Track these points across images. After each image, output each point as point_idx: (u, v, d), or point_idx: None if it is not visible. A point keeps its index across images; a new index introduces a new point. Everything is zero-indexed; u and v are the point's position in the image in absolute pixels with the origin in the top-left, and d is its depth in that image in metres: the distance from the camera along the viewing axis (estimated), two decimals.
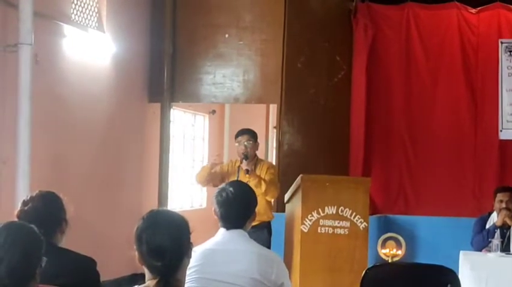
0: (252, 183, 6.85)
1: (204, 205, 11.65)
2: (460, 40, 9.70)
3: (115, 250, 8.27)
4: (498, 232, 7.09)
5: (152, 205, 9.28)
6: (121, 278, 8.25)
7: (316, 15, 9.62)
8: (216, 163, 7.35)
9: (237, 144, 7.17)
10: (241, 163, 7.11)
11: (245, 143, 7.09)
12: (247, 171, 6.95)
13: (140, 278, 2.81)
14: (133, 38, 9.21)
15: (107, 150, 8.60)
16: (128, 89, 9.19)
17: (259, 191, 6.98)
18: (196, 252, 3.41)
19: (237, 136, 7.23)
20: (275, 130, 12.15)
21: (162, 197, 9.69)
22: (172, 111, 9.97)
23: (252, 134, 7.22)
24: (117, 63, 8.73)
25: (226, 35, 9.59)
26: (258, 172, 7.06)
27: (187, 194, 11.33)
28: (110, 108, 8.69)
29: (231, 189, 3.80)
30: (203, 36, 9.60)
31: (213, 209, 3.80)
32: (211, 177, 7.10)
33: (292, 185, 7.09)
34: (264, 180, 6.97)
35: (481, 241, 7.17)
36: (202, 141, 12.14)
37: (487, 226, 7.29)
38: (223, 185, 3.95)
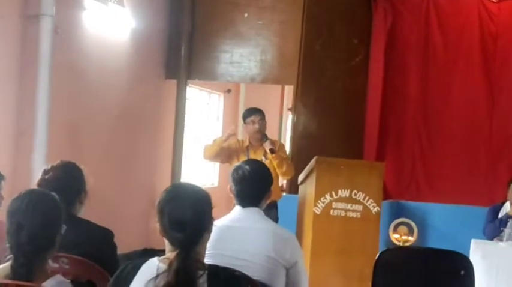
0: (274, 163, 6.91)
1: (216, 184, 11.67)
2: (479, 29, 9.66)
3: (127, 224, 8.33)
4: (510, 221, 7.10)
5: (165, 181, 9.31)
6: (132, 252, 8.28)
7: None
8: (232, 133, 7.32)
9: (248, 124, 7.14)
10: (250, 143, 7.13)
11: (259, 122, 7.08)
12: (272, 151, 6.96)
13: (151, 253, 2.83)
14: (152, 13, 9.21)
15: (122, 124, 8.61)
16: (145, 65, 9.19)
17: (281, 170, 7.04)
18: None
19: (247, 116, 7.16)
20: (289, 112, 12.16)
21: (175, 174, 9.71)
22: (188, 89, 9.97)
23: (262, 113, 7.22)
24: (135, 39, 8.72)
25: (246, 15, 9.56)
26: None
27: (200, 172, 11.34)
28: (127, 83, 8.70)
29: (247, 167, 3.82)
30: (222, 15, 9.58)
31: (228, 187, 3.82)
32: (221, 151, 7.07)
33: (306, 167, 7.08)
34: (286, 159, 7.04)
35: (493, 230, 7.18)
36: (216, 120, 12.14)
37: (500, 215, 7.30)
38: (239, 163, 3.97)
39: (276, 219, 6.97)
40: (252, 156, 6.96)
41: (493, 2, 9.64)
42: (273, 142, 7.14)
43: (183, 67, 9.60)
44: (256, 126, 7.05)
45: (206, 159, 7.50)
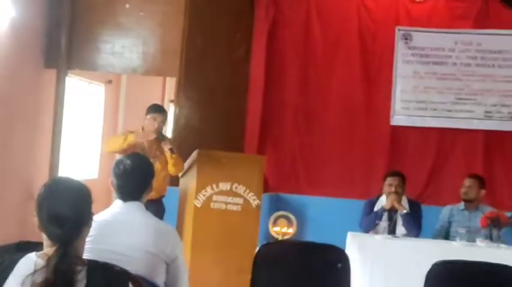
0: (171, 161, 6.91)
1: (96, 176, 11.51)
2: (358, 25, 9.86)
3: (1, 216, 8.11)
4: (386, 214, 7.31)
5: (43, 173, 9.12)
6: (6, 245, 8.08)
7: None
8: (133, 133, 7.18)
9: (149, 118, 7.07)
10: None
11: (160, 122, 7.06)
12: (172, 150, 6.95)
13: (27, 246, 2.78)
14: (32, 2, 8.97)
15: None
16: (23, 54, 8.95)
17: (175, 168, 7.03)
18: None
19: (152, 112, 7.11)
20: (171, 104, 12.10)
21: (54, 165, 9.51)
22: (68, 79, 9.78)
23: (166, 114, 7.25)
24: (14, 28, 8.49)
25: (127, 5, 9.44)
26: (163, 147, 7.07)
27: (80, 164, 11.16)
28: (4, 72, 8.47)
29: (128, 161, 3.81)
30: (103, 5, 9.43)
31: (110, 180, 3.80)
32: (124, 151, 6.92)
33: (188, 160, 7.08)
34: (181, 158, 7.05)
35: (369, 223, 7.34)
36: (97, 111, 11.96)
37: (375, 209, 7.46)
38: (120, 157, 3.96)
39: (163, 214, 6.99)
40: (147, 149, 6.93)
41: None
42: (171, 141, 7.15)
43: (63, 56, 9.39)
44: (155, 125, 7.01)
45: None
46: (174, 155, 6.95)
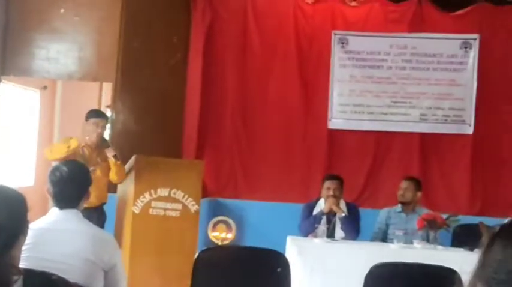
0: (114, 168, 6.84)
1: (32, 183, 11.33)
2: (295, 30, 9.90)
3: None
4: (324, 218, 7.34)
5: None
6: None
7: None
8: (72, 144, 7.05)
9: (89, 124, 6.99)
10: (85, 143, 7.00)
11: (102, 127, 6.99)
12: (116, 157, 6.88)
13: None
14: None
15: None
16: None
17: (117, 176, 6.97)
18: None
19: (92, 117, 7.03)
20: (108, 109, 11.99)
21: None
22: (1, 85, 9.61)
23: (107, 119, 7.19)
24: None
25: (62, 10, 9.33)
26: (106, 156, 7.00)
27: (15, 171, 10.98)
28: None
29: (64, 168, 3.77)
30: (37, 10, 9.29)
31: (46, 188, 3.74)
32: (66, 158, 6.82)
33: (125, 166, 7.03)
34: (123, 165, 6.99)
35: (308, 226, 7.35)
36: (31, 117, 11.79)
37: (314, 212, 7.49)
38: (57, 164, 3.91)
39: (104, 221, 6.93)
40: (88, 156, 6.85)
41: (307, 3, 9.90)
42: (113, 148, 7.08)
43: None
44: (99, 130, 6.94)
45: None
46: (118, 162, 6.89)
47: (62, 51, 9.23)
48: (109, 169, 6.97)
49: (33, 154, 11.26)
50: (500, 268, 1.48)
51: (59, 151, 6.93)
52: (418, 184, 7.76)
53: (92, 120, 6.98)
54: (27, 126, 11.38)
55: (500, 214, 8.05)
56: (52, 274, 2.86)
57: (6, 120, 10.39)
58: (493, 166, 9.72)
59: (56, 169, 3.76)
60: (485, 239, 1.59)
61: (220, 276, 4.27)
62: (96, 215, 6.47)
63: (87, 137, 6.98)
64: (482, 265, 1.53)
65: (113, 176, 6.96)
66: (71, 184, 3.73)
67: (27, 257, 3.32)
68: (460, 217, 7.47)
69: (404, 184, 7.71)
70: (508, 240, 1.53)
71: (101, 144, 6.94)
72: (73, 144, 6.84)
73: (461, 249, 6.59)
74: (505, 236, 1.55)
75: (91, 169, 5.55)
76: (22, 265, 2.85)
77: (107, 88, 10.82)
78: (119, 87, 9.23)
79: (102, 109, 13.07)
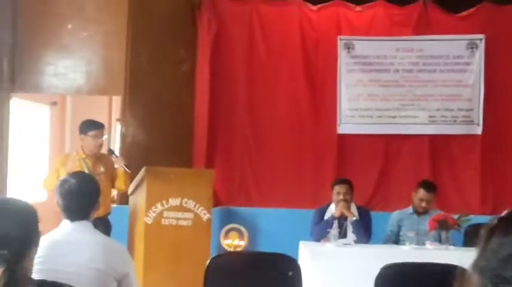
0: (122, 178, 6.90)
1: (45, 198, 11.39)
2: (301, 37, 9.92)
3: None
4: (336, 222, 7.36)
5: None
6: None
7: (161, 7, 9.59)
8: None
9: (88, 137, 7.03)
10: (86, 155, 7.04)
11: (103, 138, 7.05)
12: (127, 166, 6.94)
13: None
14: None
15: None
16: None
17: (124, 186, 7.03)
18: (41, 243, 3.38)
19: (89, 129, 7.07)
20: (118, 122, 12.05)
21: (1, 190, 9.40)
22: (11, 101, 9.68)
23: (104, 127, 7.22)
24: None
25: (70, 26, 9.40)
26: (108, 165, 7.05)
27: (27, 188, 11.04)
28: None
29: (73, 181, 3.80)
30: (45, 27, 9.36)
31: (55, 201, 3.78)
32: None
33: (136, 177, 7.08)
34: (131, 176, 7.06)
35: (320, 231, 7.38)
36: (42, 133, 11.86)
37: (326, 217, 7.51)
38: (65, 176, 3.94)
39: (110, 230, 6.97)
40: (91, 167, 6.90)
41: (312, 10, 9.94)
42: (124, 158, 7.15)
43: (6, 81, 9.31)
44: (100, 141, 7.00)
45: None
46: (128, 172, 6.95)
47: (70, 67, 9.31)
48: (112, 178, 7.01)
49: (44, 169, 11.31)
50: (493, 257, 1.51)
51: (51, 183, 6.95)
52: (436, 191, 7.77)
53: (92, 133, 7.02)
54: (38, 142, 11.46)
55: None
56: (64, 284, 2.89)
57: (18, 137, 10.46)
58: (503, 164, 9.71)
59: (64, 181, 3.80)
60: (483, 232, 1.63)
61: (232, 281, 4.31)
62: (103, 226, 6.51)
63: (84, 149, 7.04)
64: (479, 257, 1.56)
65: (120, 185, 7.01)
66: (80, 196, 3.76)
67: (40, 270, 3.37)
68: (471, 216, 7.48)
69: (425, 195, 7.64)
70: (504, 231, 1.56)
71: (110, 155, 7.00)
72: (61, 171, 6.83)
73: (474, 249, 6.58)
74: (501, 228, 1.58)
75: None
76: (35, 276, 2.88)
77: (117, 101, 10.89)
78: (128, 100, 9.29)
79: (112, 122, 13.20)
